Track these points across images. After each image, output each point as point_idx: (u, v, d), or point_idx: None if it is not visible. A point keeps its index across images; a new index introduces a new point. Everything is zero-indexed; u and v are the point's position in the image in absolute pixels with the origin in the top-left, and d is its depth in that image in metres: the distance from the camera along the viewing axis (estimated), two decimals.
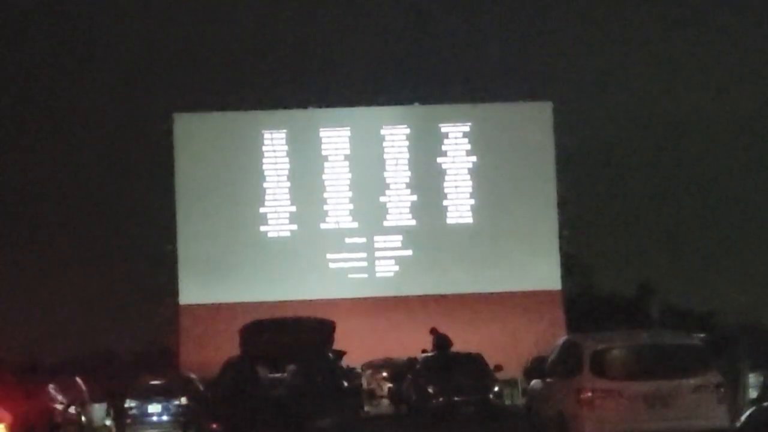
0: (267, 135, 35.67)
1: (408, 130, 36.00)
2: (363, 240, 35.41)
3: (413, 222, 35.66)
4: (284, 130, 35.78)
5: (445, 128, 35.96)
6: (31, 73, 62.86)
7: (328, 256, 35.29)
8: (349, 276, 35.24)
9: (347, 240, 35.36)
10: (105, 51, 62.49)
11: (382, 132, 35.87)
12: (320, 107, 36.15)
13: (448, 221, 35.71)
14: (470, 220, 35.64)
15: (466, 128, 35.93)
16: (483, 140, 35.97)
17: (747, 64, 58.61)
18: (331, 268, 35.28)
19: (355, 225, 35.47)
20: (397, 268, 35.44)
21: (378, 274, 35.36)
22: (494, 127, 36.07)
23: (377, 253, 35.44)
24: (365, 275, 35.35)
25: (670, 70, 60.11)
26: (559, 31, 61.91)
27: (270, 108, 36.19)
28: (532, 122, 36.14)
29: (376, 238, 35.46)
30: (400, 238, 35.54)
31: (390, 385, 30.06)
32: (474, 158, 35.89)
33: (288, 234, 35.45)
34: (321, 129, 35.77)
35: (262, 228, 35.33)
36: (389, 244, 35.50)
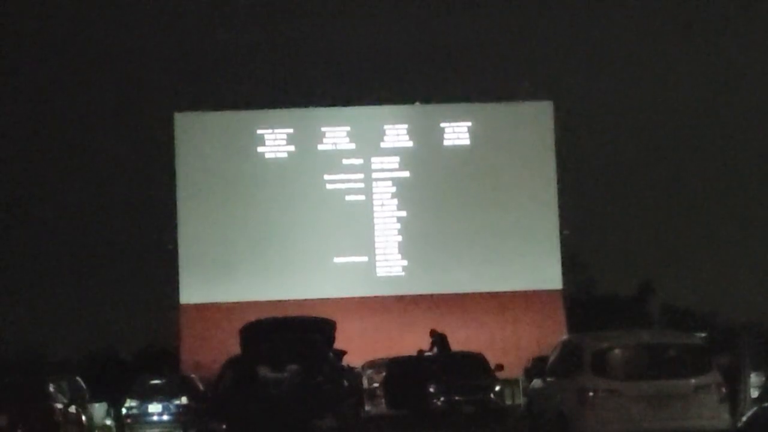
0: (268, 134, 35.61)
1: (408, 127, 35.92)
2: (360, 161, 35.40)
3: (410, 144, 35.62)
4: (285, 129, 35.71)
5: (446, 127, 35.89)
6: (32, 73, 62.91)
7: (326, 177, 35.27)
8: (347, 198, 35.14)
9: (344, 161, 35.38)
10: (106, 50, 62.55)
11: (384, 128, 35.78)
12: (321, 106, 36.15)
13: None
14: (471, 222, 35.55)
15: (467, 127, 35.86)
16: (483, 139, 35.90)
17: (748, 63, 58.61)
18: (328, 189, 35.23)
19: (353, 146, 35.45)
20: (394, 189, 35.35)
21: (375, 198, 35.23)
22: (495, 127, 36.00)
23: (374, 174, 35.40)
24: (362, 197, 35.26)
25: (671, 70, 60.14)
26: (561, 31, 61.94)
27: (271, 107, 36.15)
28: (533, 122, 36.08)
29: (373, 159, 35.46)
30: (397, 159, 35.53)
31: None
32: (474, 157, 35.82)
33: (285, 155, 35.37)
34: (323, 127, 35.74)
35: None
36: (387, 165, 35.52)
